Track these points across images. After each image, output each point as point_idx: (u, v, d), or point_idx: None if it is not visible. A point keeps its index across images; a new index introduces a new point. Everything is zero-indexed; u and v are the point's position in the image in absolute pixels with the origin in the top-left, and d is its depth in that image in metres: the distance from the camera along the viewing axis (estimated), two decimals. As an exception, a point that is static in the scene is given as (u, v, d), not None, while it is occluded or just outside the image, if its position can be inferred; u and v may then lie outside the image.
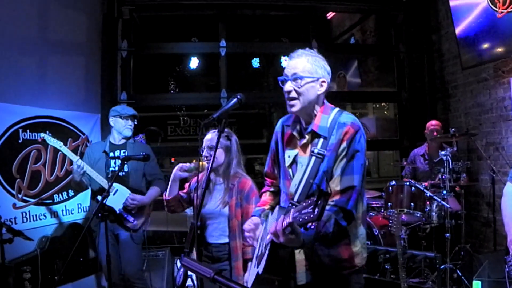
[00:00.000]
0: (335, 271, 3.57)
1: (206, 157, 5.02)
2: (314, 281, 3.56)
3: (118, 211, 6.26)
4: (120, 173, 6.29)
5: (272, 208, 3.92)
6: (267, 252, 3.43)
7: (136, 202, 6.26)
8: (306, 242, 3.24)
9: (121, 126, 6.49)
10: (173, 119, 20.06)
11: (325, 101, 3.71)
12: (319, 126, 3.55)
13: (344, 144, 3.45)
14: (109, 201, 5.87)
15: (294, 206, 3.22)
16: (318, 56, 3.65)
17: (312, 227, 3.13)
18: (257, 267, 3.62)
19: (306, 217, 2.77)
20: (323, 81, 3.60)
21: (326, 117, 3.59)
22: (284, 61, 12.73)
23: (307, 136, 3.59)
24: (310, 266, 3.54)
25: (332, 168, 3.46)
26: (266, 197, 4.10)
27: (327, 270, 3.56)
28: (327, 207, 3.18)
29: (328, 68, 3.67)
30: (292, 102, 3.54)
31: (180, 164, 5.19)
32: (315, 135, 3.56)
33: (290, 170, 3.68)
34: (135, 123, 6.55)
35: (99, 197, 6.15)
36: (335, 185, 3.42)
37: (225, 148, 5.11)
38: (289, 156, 3.69)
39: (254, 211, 3.99)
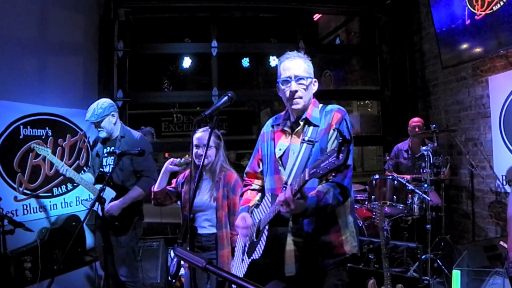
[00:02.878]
0: (323, 260, 3.57)
1: (199, 155, 5.00)
2: (302, 273, 3.56)
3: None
4: (106, 170, 6.09)
5: (257, 205, 3.90)
6: (265, 234, 3.46)
7: (110, 213, 5.79)
8: (309, 209, 3.29)
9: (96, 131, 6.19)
10: (167, 116, 20.05)
11: (313, 97, 3.80)
12: (312, 116, 3.67)
13: (334, 127, 3.55)
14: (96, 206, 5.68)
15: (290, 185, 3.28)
16: (308, 58, 3.77)
17: (314, 193, 3.30)
18: (249, 258, 3.62)
19: (328, 166, 2.80)
20: (315, 81, 3.76)
21: (316, 109, 3.72)
22: (273, 60, 12.73)
23: (300, 123, 3.67)
24: (298, 258, 3.54)
25: (326, 150, 3.49)
26: (248, 194, 4.08)
27: (315, 260, 3.56)
28: (325, 183, 3.33)
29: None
30: (298, 101, 3.63)
31: (172, 159, 5.20)
32: (307, 122, 3.65)
33: (280, 161, 3.69)
34: (102, 124, 5.95)
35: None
36: None
37: (217, 147, 5.16)
38: (280, 149, 3.71)
39: (240, 208, 3.98)
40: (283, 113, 3.92)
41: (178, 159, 5.25)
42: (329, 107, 3.73)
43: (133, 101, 10.08)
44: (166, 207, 5.85)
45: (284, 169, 3.65)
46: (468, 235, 8.80)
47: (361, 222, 7.77)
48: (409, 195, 7.63)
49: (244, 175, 4.24)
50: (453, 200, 9.39)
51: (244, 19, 12.39)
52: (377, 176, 7.73)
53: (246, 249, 3.77)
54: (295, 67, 3.62)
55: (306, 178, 2.95)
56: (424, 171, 7.58)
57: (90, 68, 9.10)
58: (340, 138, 2.71)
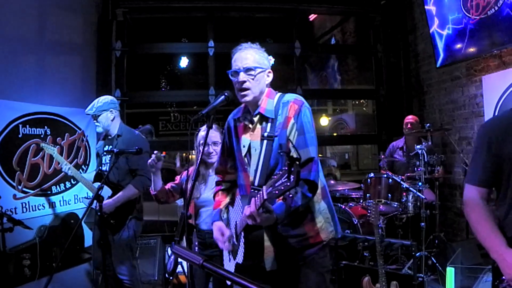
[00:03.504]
0: (302, 251, 3.56)
1: (210, 153, 5.02)
2: (283, 267, 3.55)
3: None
4: (104, 168, 6.11)
5: (228, 206, 3.91)
6: (242, 240, 3.44)
7: (103, 211, 5.68)
8: (279, 218, 3.24)
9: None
10: (164, 115, 19.98)
11: (270, 87, 3.75)
12: (265, 109, 3.59)
13: (292, 120, 3.48)
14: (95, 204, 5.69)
15: (256, 191, 3.27)
16: (262, 49, 3.73)
17: (281, 202, 3.21)
18: (234, 260, 3.62)
19: (282, 187, 2.74)
20: (269, 72, 3.69)
21: (271, 101, 3.63)
22: (269, 60, 12.77)
23: (255, 119, 3.62)
24: (277, 253, 3.53)
25: (287, 146, 3.43)
26: (219, 197, 4.04)
27: (295, 252, 3.56)
28: None
29: (270, 60, 3.76)
30: (245, 92, 3.56)
31: (148, 162, 5.17)
32: (263, 118, 3.60)
33: (245, 160, 3.67)
34: (99, 118, 6.04)
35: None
36: None
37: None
38: (244, 146, 3.69)
39: (213, 215, 3.93)
40: (243, 105, 3.86)
41: (155, 152, 5.21)
42: (286, 97, 3.65)
43: (130, 100, 10.10)
44: (164, 205, 5.85)
45: (250, 167, 3.63)
46: (461, 232, 8.81)
47: (356, 220, 7.77)
48: (404, 193, 7.63)
49: (214, 172, 4.22)
50: (447, 198, 9.41)
51: (240, 19, 12.38)
52: (372, 175, 7.75)
53: (230, 252, 3.75)
54: (244, 58, 3.59)
55: (265, 197, 2.90)
56: (419, 169, 7.59)
57: (88, 68, 9.11)
58: (287, 159, 2.68)
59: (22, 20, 7.31)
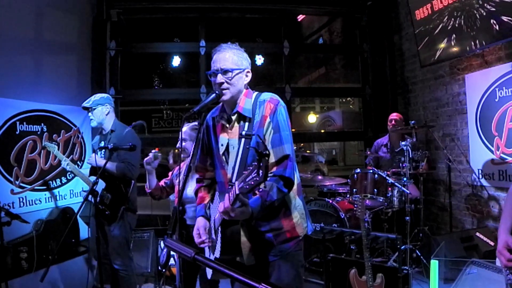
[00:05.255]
0: (279, 246, 3.57)
1: (179, 148, 5.02)
2: (261, 261, 3.58)
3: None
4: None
5: (209, 202, 3.95)
6: (219, 235, 3.47)
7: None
8: (255, 212, 3.26)
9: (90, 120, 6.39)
10: (157, 112, 20.04)
11: (248, 87, 3.76)
12: (243, 108, 3.60)
13: (268, 119, 3.51)
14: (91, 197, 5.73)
15: (231, 187, 3.24)
16: (241, 49, 3.73)
17: (258, 194, 3.24)
18: (213, 255, 3.64)
19: (252, 182, 2.76)
20: (248, 72, 3.70)
21: (249, 100, 3.65)
22: (258, 59, 12.74)
23: (233, 118, 3.63)
24: (254, 247, 3.54)
25: (263, 144, 3.36)
26: (202, 193, 4.05)
27: (271, 247, 3.57)
28: (268, 178, 3.15)
29: (249, 60, 3.76)
30: (224, 92, 3.56)
31: (145, 158, 5.21)
32: (241, 117, 3.61)
33: (223, 158, 3.69)
34: (93, 112, 6.11)
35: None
36: (270, 158, 3.40)
37: (193, 140, 5.13)
38: (222, 145, 3.70)
39: (197, 211, 3.95)
40: (220, 104, 3.87)
41: (150, 156, 5.30)
42: (262, 96, 3.67)
43: (124, 98, 10.12)
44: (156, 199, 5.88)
45: (228, 165, 3.64)
46: (445, 226, 8.83)
47: (343, 214, 7.78)
48: (389, 188, 7.66)
49: (195, 170, 4.21)
50: (431, 193, 9.43)
51: (231, 20, 12.38)
52: (358, 170, 7.77)
53: (209, 247, 3.77)
54: (222, 60, 3.59)
55: (237, 192, 2.93)
56: (404, 165, 7.61)
57: (83, 67, 9.10)
58: (256, 155, 2.69)
59: (20, 21, 7.31)
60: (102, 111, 6.11)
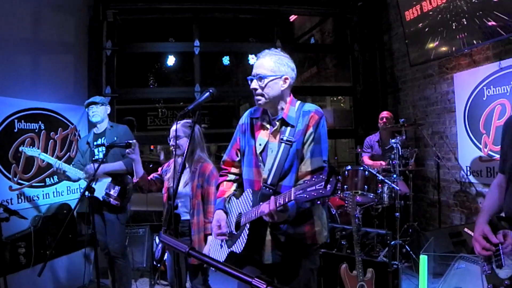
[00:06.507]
0: (299, 249, 3.60)
1: (173, 145, 5.06)
2: (278, 261, 3.59)
3: (101, 199, 6.28)
4: (100, 159, 6.19)
5: (233, 196, 3.94)
6: (246, 231, 3.47)
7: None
8: (290, 216, 3.32)
9: (90, 116, 6.58)
10: (152, 110, 20.00)
11: (291, 94, 3.74)
12: (288, 115, 3.60)
13: (311, 129, 3.53)
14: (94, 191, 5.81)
15: (268, 189, 3.43)
16: (282, 55, 3.67)
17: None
18: (228, 248, 3.67)
19: (315, 194, 2.80)
20: (286, 78, 3.63)
21: (293, 108, 3.65)
22: (251, 59, 12.72)
23: (277, 123, 3.63)
24: (275, 247, 3.57)
25: (302, 151, 3.51)
26: (224, 186, 4.05)
27: (292, 249, 3.59)
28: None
29: (292, 65, 3.69)
30: (258, 97, 3.60)
31: (126, 150, 5.32)
32: (284, 123, 3.60)
33: (260, 157, 3.67)
34: (98, 108, 6.51)
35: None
36: (306, 166, 3.50)
37: (187, 137, 5.17)
38: (260, 144, 3.68)
39: (217, 203, 3.96)
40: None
41: (126, 142, 5.36)
42: (307, 107, 3.67)
43: (120, 96, 10.11)
44: (152, 196, 5.92)
45: (264, 165, 3.63)
46: (434, 222, 8.86)
47: (334, 210, 7.80)
48: (379, 185, 7.66)
49: (221, 163, 4.20)
50: (421, 190, 9.45)
51: (224, 20, 12.34)
52: (349, 167, 7.75)
53: (227, 238, 3.78)
54: (259, 66, 3.61)
55: (292, 198, 2.96)
56: (393, 162, 7.65)
57: (80, 66, 9.08)
58: (327, 169, 2.70)
59: (17, 21, 7.29)
60: (105, 109, 6.59)
